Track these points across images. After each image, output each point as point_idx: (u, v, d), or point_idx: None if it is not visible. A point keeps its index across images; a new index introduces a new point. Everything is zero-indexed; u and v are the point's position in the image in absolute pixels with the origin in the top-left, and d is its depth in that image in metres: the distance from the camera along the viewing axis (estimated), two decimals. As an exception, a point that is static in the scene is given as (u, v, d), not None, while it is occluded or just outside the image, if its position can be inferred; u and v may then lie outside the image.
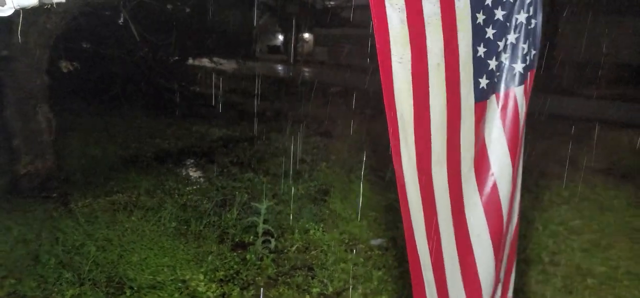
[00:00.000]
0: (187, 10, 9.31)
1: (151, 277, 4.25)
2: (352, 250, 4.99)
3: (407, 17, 1.64)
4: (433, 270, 1.93)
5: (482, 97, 1.83)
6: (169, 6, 7.87)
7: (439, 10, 1.67)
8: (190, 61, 14.79)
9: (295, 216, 5.78)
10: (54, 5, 5.73)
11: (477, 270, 1.91)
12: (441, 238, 1.90)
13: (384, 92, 1.73)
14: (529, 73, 1.84)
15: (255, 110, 12.97)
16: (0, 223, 4.97)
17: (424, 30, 1.67)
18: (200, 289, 4.14)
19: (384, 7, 1.62)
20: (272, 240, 4.96)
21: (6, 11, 1.42)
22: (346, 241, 5.22)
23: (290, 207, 6.03)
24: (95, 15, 7.97)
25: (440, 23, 1.67)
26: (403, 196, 1.87)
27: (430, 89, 1.73)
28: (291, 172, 7.52)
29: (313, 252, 4.96)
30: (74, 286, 3.98)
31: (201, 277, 4.31)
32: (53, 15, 6.01)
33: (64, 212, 5.40)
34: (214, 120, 11.17)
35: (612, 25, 21.88)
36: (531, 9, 1.83)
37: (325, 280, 4.38)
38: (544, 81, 20.97)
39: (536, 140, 10.49)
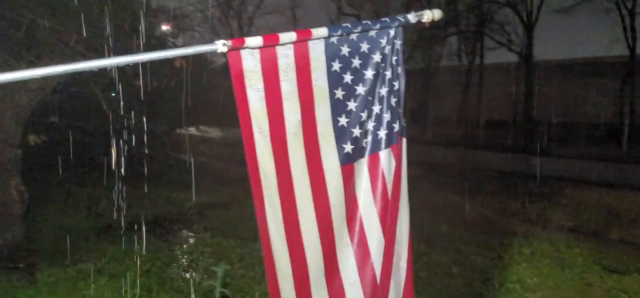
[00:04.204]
0: (161, 83, 9.69)
1: (103, 344, 4.34)
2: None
3: (265, 95, 1.93)
4: None
5: (348, 160, 2.09)
6: (137, 82, 8.22)
7: (296, 89, 1.96)
8: (176, 130, 15.11)
9: (257, 279, 5.89)
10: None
11: None
12: (311, 289, 2.08)
13: (246, 156, 1.97)
14: (396, 138, 2.09)
15: (236, 176, 13.20)
16: (-38, 295, 5.07)
17: (281, 106, 1.96)
18: (150, 355, 4.22)
19: (245, 88, 1.90)
20: (230, 304, 5.06)
21: None
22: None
23: (254, 270, 6.14)
24: (74, 92, 8.30)
25: (297, 99, 1.96)
26: (268, 251, 2.04)
27: (289, 153, 2.00)
28: (260, 237, 7.65)
29: (270, 316, 5.03)
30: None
31: (153, 342, 4.40)
32: (27, 92, 6.31)
33: (28, 282, 5.50)
34: (193, 187, 11.36)
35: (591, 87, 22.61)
36: (394, 84, 2.11)
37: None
38: (524, 142, 21.39)
39: (506, 198, 10.72)
